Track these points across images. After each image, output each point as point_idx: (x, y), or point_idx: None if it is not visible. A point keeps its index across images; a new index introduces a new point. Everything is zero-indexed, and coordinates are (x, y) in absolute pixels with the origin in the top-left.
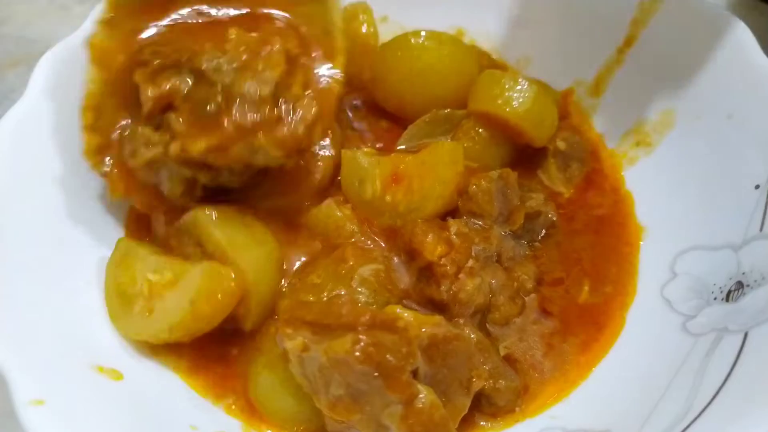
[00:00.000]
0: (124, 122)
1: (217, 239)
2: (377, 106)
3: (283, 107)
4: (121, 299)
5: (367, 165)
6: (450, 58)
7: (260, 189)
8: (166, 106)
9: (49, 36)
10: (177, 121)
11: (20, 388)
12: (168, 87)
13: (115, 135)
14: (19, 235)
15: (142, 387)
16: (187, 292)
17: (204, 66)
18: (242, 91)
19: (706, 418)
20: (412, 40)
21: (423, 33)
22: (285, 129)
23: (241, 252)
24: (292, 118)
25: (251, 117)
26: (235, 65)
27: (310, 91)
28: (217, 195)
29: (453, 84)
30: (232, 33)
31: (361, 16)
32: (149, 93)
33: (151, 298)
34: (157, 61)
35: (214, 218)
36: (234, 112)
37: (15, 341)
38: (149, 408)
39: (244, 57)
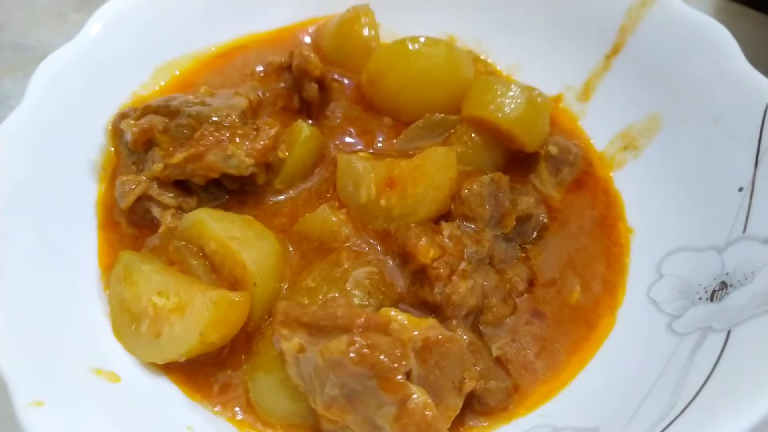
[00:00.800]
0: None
1: (218, 236)
2: (374, 106)
3: (249, 126)
4: (125, 316)
5: (362, 169)
6: (446, 64)
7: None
8: (149, 142)
9: (45, 43)
10: (159, 151)
11: (20, 390)
12: (146, 124)
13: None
14: (19, 241)
15: (139, 389)
16: (196, 324)
17: (176, 104)
18: (213, 116)
19: (689, 414)
20: (410, 46)
21: (421, 39)
22: (254, 138)
23: (243, 246)
24: (258, 131)
25: (223, 133)
26: (203, 99)
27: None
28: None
29: (448, 89)
30: (201, 88)
31: (363, 19)
32: (131, 129)
33: (158, 321)
34: (137, 112)
35: (214, 217)
36: (206, 130)
37: (15, 344)
38: (146, 409)
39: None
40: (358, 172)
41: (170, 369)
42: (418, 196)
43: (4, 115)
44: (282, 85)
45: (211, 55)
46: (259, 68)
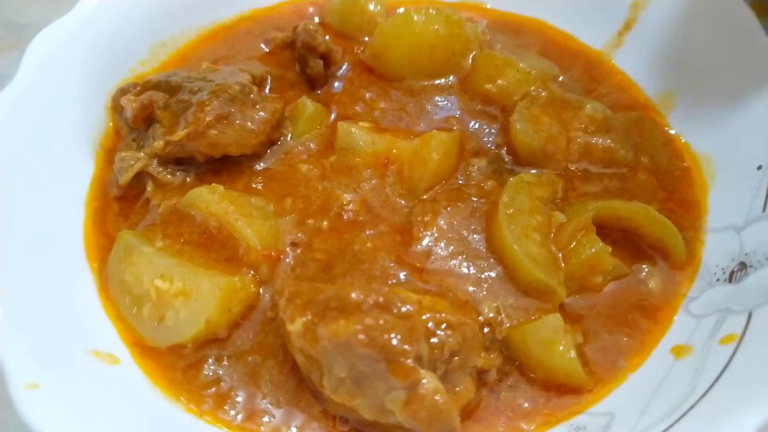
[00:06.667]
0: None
1: (220, 214)
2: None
3: (252, 102)
4: (126, 299)
5: (363, 144)
6: (448, 32)
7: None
8: (149, 117)
9: (41, 21)
10: (160, 128)
11: (15, 372)
12: (146, 100)
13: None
14: (15, 220)
15: (138, 372)
16: (202, 310)
17: (177, 79)
18: (215, 90)
19: (709, 399)
20: (415, 18)
21: (423, 11)
22: (257, 115)
23: (246, 224)
24: (261, 107)
25: (225, 108)
26: (205, 75)
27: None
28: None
29: (450, 60)
30: (203, 64)
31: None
32: (131, 105)
33: (161, 305)
34: (138, 87)
35: (215, 194)
36: (208, 106)
37: (10, 326)
38: (145, 392)
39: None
40: (357, 145)
41: (170, 353)
42: (414, 180)
43: None
44: (286, 60)
45: (214, 30)
46: (263, 43)
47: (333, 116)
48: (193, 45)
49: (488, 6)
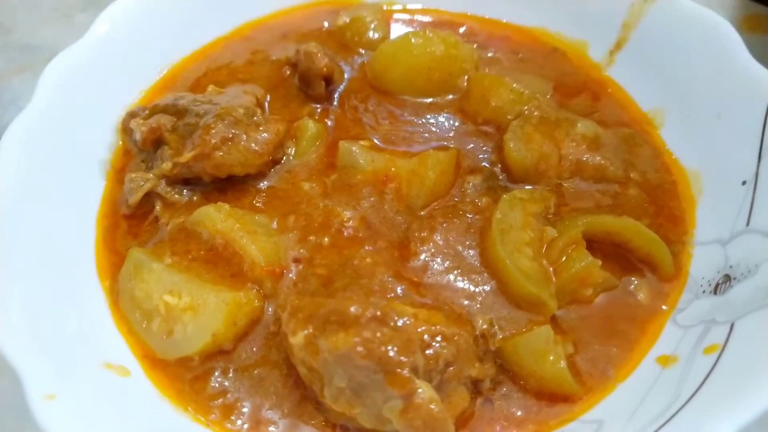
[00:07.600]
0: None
1: (226, 232)
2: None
3: (256, 124)
4: (136, 313)
5: (363, 162)
6: (445, 57)
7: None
8: (157, 140)
9: (53, 43)
10: (168, 150)
11: (34, 384)
12: (155, 123)
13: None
14: (31, 240)
15: (147, 383)
16: (209, 325)
17: (184, 103)
18: (220, 113)
19: (692, 406)
20: (413, 40)
21: (421, 34)
22: (260, 136)
23: (252, 241)
24: (265, 129)
25: (230, 131)
26: (211, 98)
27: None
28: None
29: (447, 81)
30: (209, 87)
31: (368, 18)
32: (141, 129)
33: (170, 319)
34: (147, 111)
35: (221, 212)
36: (214, 129)
37: (28, 340)
38: (154, 403)
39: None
40: (358, 163)
41: (179, 365)
42: (411, 198)
43: (13, 115)
44: (289, 80)
45: (219, 53)
46: (266, 64)
47: (334, 135)
48: (198, 66)
49: (486, 16)
